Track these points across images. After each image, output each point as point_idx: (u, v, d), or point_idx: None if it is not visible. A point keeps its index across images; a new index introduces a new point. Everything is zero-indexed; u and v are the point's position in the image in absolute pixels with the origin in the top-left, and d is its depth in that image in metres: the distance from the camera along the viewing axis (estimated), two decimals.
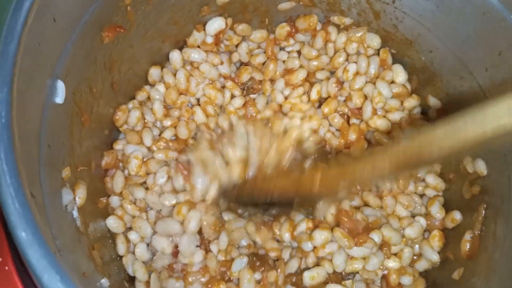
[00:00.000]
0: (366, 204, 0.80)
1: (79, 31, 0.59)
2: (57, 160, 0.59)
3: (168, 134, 0.81)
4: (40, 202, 0.49)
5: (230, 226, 0.77)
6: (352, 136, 0.82)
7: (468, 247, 0.72)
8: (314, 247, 0.74)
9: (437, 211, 0.77)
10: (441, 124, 0.49)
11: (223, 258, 0.76)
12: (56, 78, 0.57)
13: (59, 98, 0.57)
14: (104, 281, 0.58)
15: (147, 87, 0.84)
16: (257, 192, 0.73)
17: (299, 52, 0.89)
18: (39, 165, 0.52)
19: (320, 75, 0.87)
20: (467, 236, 0.72)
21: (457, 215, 0.76)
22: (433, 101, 0.83)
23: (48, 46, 0.54)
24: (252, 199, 0.74)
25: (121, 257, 0.76)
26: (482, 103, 0.47)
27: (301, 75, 0.86)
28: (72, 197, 0.60)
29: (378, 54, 0.85)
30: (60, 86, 0.57)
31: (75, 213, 0.60)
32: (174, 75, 0.83)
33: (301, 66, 0.88)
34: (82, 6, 0.59)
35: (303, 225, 0.76)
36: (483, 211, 0.71)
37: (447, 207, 0.79)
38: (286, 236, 0.75)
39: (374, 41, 0.84)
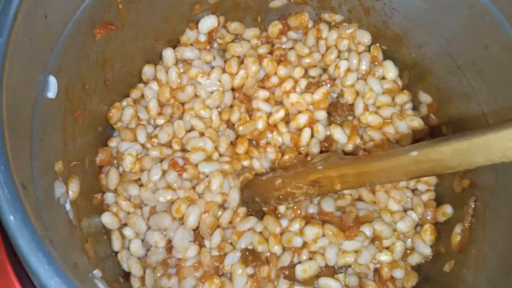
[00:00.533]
0: (359, 199, 0.81)
1: (71, 28, 0.60)
2: (50, 154, 0.60)
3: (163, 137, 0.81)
4: (32, 194, 0.51)
5: (223, 222, 0.78)
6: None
7: (458, 239, 0.72)
8: (305, 242, 0.75)
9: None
10: (449, 143, 0.56)
11: (217, 253, 0.77)
12: (48, 74, 0.58)
13: (51, 93, 0.58)
14: (96, 272, 0.59)
15: (141, 85, 0.85)
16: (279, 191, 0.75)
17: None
18: (31, 158, 0.53)
19: (312, 72, 0.88)
20: (458, 229, 0.72)
21: (448, 209, 0.77)
22: (424, 97, 0.84)
23: (40, 42, 0.55)
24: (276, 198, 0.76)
25: (116, 253, 0.77)
26: (485, 130, 0.53)
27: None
28: (65, 190, 0.61)
29: (369, 50, 0.86)
30: (52, 81, 0.58)
31: (68, 206, 0.61)
32: (167, 73, 0.84)
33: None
34: (73, 3, 0.60)
35: (296, 225, 0.76)
36: (473, 204, 0.71)
37: (439, 201, 0.80)
38: (276, 249, 0.75)
39: (365, 37, 0.85)
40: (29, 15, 0.51)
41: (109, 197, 0.78)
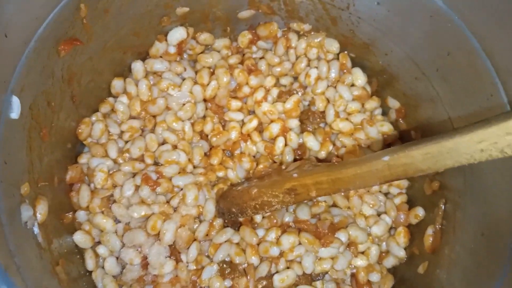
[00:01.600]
0: (334, 205, 0.82)
1: (34, 46, 0.59)
2: (15, 177, 0.58)
3: (135, 152, 0.80)
4: None
5: (199, 235, 0.77)
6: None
7: (430, 241, 0.74)
8: (282, 252, 0.75)
9: None
10: (419, 147, 0.57)
11: (194, 267, 0.76)
12: (10, 94, 0.56)
13: (14, 114, 0.56)
14: None
15: (110, 99, 0.84)
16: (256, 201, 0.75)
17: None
18: None
19: (283, 81, 0.89)
20: (429, 230, 0.74)
21: (420, 211, 0.79)
22: (392, 102, 0.86)
23: (0, 62, 0.53)
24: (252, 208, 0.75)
25: (90, 272, 0.75)
26: (452, 134, 0.53)
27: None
28: (32, 213, 0.59)
29: (338, 58, 0.87)
30: (15, 101, 0.56)
31: (36, 229, 0.59)
32: (137, 85, 0.83)
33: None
34: (35, 20, 0.59)
35: (272, 235, 0.76)
36: (443, 206, 0.73)
37: (411, 204, 0.82)
38: (254, 259, 0.75)
39: (333, 46, 0.86)
40: None
41: (81, 215, 0.76)
